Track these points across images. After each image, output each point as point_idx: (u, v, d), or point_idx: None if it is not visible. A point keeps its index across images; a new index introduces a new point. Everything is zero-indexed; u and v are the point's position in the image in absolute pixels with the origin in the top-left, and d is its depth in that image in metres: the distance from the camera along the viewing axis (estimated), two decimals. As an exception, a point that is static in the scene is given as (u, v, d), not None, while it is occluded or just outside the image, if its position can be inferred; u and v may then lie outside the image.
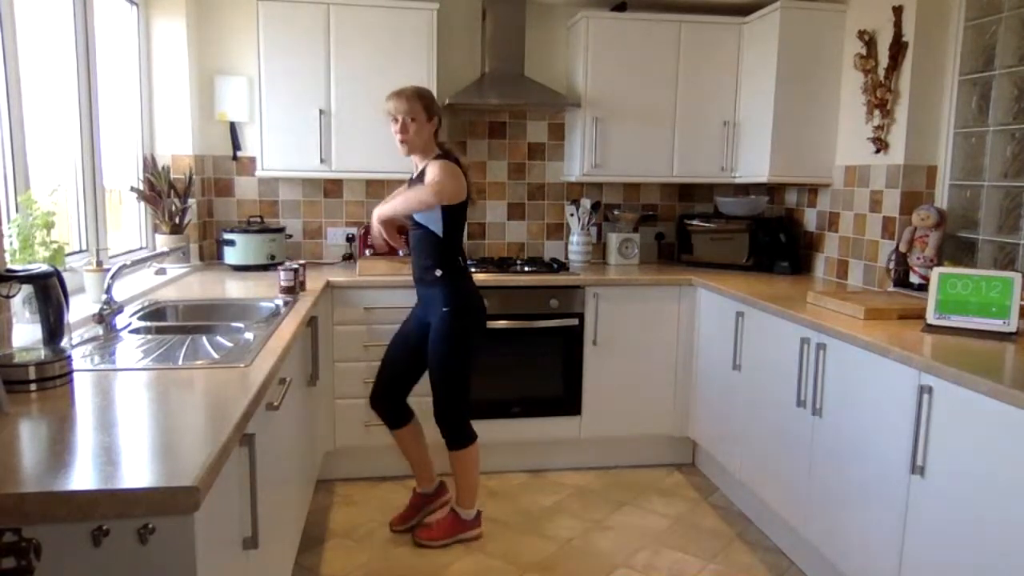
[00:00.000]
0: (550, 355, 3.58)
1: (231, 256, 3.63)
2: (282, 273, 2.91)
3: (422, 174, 2.75)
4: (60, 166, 2.71)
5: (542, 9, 3.97)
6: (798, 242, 3.91)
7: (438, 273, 2.80)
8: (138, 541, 1.15)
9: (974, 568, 1.93)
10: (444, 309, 2.80)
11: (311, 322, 2.83)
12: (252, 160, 3.80)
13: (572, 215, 4.03)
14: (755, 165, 3.74)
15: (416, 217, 2.77)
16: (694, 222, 4.04)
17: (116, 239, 3.17)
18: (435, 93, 3.60)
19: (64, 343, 1.77)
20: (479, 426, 3.03)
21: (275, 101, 3.53)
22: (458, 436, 2.89)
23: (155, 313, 2.64)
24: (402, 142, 2.76)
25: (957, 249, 3.07)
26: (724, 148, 3.89)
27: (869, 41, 3.32)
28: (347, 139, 3.59)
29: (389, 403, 3.02)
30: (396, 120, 2.74)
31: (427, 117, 2.75)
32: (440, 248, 2.79)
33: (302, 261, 3.44)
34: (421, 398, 3.48)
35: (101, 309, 2.24)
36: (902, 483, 2.20)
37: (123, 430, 1.39)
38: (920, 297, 2.78)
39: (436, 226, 2.77)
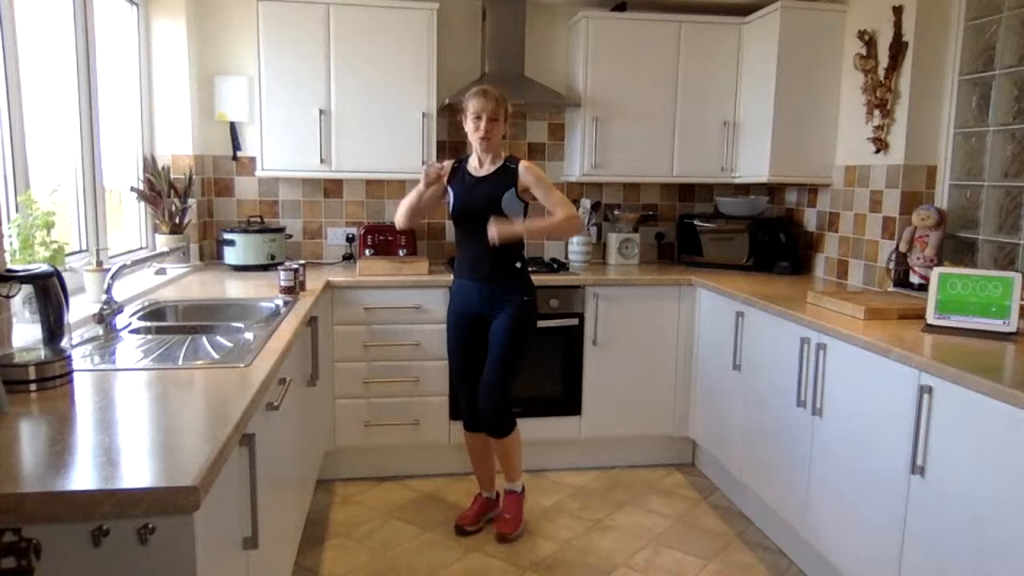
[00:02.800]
0: (550, 355, 3.58)
1: (231, 256, 3.63)
2: (282, 273, 2.91)
3: (500, 173, 2.82)
4: (60, 166, 2.71)
5: (542, 9, 3.97)
6: (798, 242, 3.91)
7: (518, 265, 2.90)
8: (138, 541, 1.15)
9: (974, 568, 1.93)
10: (525, 298, 2.89)
11: (311, 322, 2.83)
12: (252, 160, 3.80)
13: (572, 215, 4.02)
14: (755, 165, 3.74)
15: (505, 208, 2.81)
16: (694, 222, 4.04)
17: (116, 239, 3.17)
18: (435, 93, 3.63)
19: (64, 343, 1.78)
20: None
21: (275, 101, 3.53)
22: (507, 423, 2.95)
23: (155, 313, 2.64)
24: (484, 138, 2.79)
25: (957, 249, 3.07)
26: (724, 148, 3.89)
27: (869, 41, 3.32)
28: (347, 139, 3.59)
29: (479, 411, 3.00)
30: (479, 118, 2.78)
31: (504, 120, 2.83)
32: (519, 242, 2.89)
33: (302, 261, 3.44)
34: (427, 398, 3.49)
35: (101, 309, 2.24)
36: (902, 483, 2.20)
37: (123, 430, 1.39)
38: (920, 297, 2.78)
39: (519, 220, 2.84)
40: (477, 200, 2.83)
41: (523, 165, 2.85)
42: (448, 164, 2.91)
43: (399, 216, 2.95)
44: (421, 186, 2.86)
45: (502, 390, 2.89)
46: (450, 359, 3.05)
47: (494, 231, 2.72)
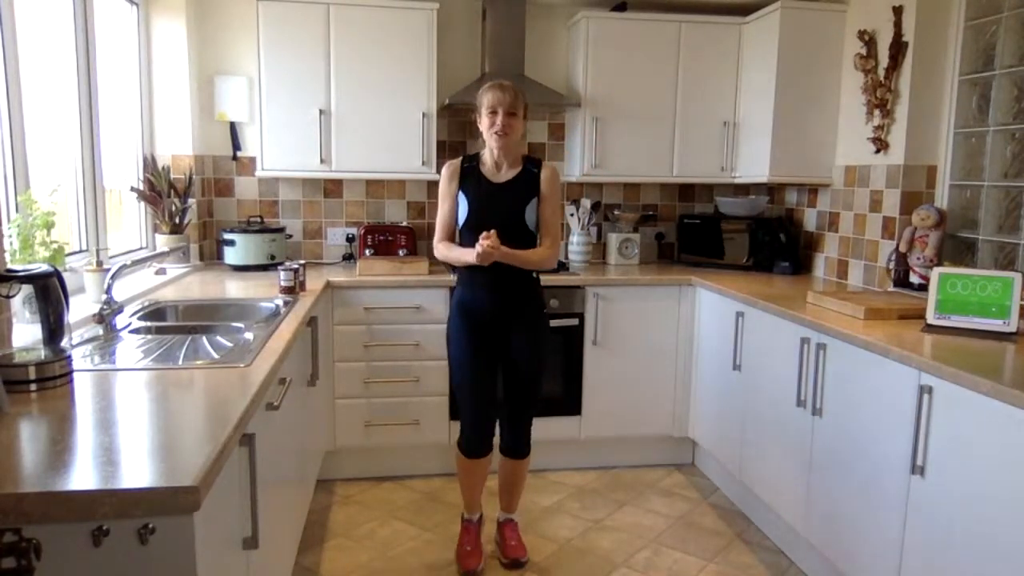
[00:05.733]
0: (550, 355, 3.57)
1: (231, 256, 3.63)
2: (282, 273, 2.91)
3: (522, 179, 2.64)
4: (60, 166, 2.71)
5: (542, 9, 3.97)
6: (798, 242, 3.91)
7: (535, 275, 2.74)
8: (138, 541, 1.15)
9: (974, 568, 1.93)
10: (544, 310, 2.79)
11: (311, 322, 2.82)
12: (252, 160, 3.80)
13: (572, 215, 4.03)
14: (755, 165, 3.74)
15: (528, 220, 2.63)
16: (694, 222, 4.04)
17: (116, 239, 3.17)
18: (435, 93, 3.63)
19: (64, 343, 1.77)
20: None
21: (275, 101, 3.53)
22: (530, 440, 2.86)
23: (155, 313, 2.64)
24: (503, 134, 2.55)
25: (957, 249, 3.07)
26: (724, 148, 3.89)
27: (869, 41, 3.32)
28: (347, 139, 3.59)
29: (489, 435, 2.80)
30: (495, 112, 2.55)
31: (523, 115, 2.62)
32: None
33: (302, 261, 3.44)
34: (426, 399, 3.49)
35: (101, 309, 2.24)
36: (902, 483, 2.20)
37: (123, 430, 1.39)
38: (920, 297, 2.78)
39: (534, 227, 2.68)
40: (498, 211, 2.61)
41: (547, 171, 2.65)
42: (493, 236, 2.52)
43: (439, 255, 2.73)
44: (471, 259, 2.53)
45: (534, 408, 2.83)
46: (463, 379, 2.73)
47: (487, 250, 2.47)
